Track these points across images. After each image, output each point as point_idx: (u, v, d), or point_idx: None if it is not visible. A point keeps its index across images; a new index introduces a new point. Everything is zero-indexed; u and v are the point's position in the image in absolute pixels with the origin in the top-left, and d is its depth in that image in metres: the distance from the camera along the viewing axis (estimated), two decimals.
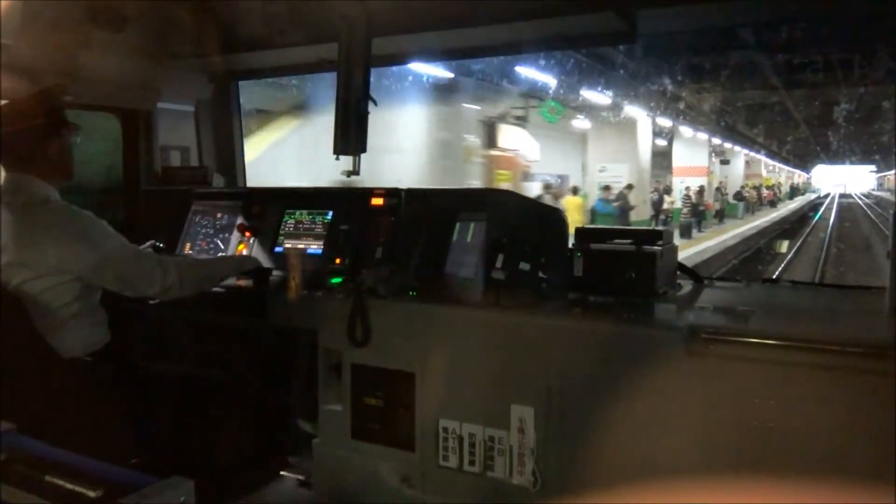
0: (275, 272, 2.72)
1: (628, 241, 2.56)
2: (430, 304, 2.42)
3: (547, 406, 2.16)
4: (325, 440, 2.57)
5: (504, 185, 15.10)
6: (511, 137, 17.39)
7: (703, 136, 28.40)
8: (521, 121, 18.29)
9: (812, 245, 22.71)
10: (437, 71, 13.13)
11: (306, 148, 11.52)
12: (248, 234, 2.99)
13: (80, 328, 2.28)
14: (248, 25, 3.06)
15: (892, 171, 53.32)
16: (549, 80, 15.93)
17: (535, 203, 2.90)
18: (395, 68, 9.49)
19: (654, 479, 1.92)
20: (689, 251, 15.41)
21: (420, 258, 2.59)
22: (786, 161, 52.25)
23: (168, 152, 3.61)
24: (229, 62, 3.42)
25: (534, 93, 17.46)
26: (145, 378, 2.51)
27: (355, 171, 2.62)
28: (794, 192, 59.19)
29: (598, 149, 22.26)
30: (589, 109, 20.04)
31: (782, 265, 16.95)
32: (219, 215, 3.16)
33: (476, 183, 14.86)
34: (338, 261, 2.75)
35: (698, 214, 23.19)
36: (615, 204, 17.23)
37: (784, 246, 20.50)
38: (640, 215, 19.48)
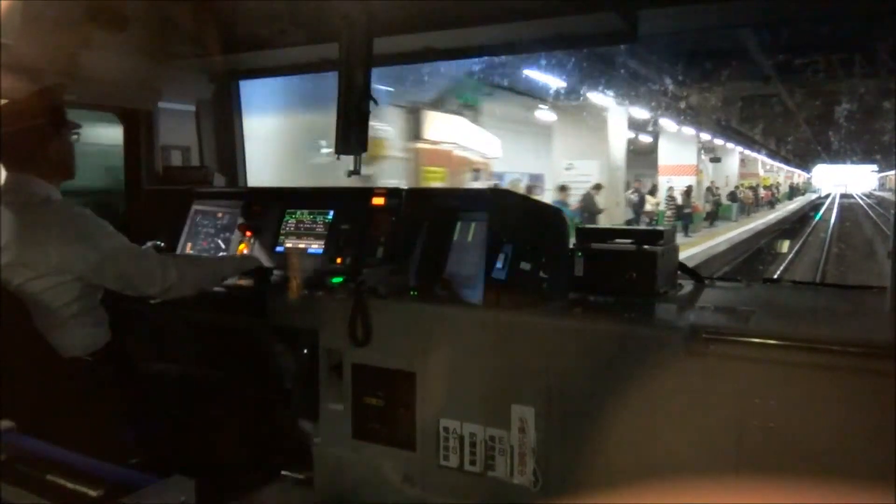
0: (276, 272, 2.72)
1: (629, 240, 2.56)
2: (431, 304, 2.42)
3: (548, 406, 2.16)
4: (326, 440, 2.58)
5: (436, 185, 12.62)
6: (446, 128, 14.13)
7: (692, 132, 26.01)
8: (469, 109, 15.34)
9: (812, 245, 22.49)
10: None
11: None
12: (248, 233, 3.00)
13: (80, 328, 2.28)
14: (249, 25, 3.06)
15: (894, 171, 53.15)
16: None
17: (536, 203, 2.90)
18: None
19: (655, 478, 1.92)
20: None
21: (421, 258, 2.59)
22: (786, 161, 51.00)
23: (169, 152, 3.61)
24: (230, 62, 3.42)
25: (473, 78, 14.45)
26: (146, 378, 2.51)
27: (356, 171, 2.62)
28: (794, 192, 57.69)
29: (565, 144, 19.59)
30: (554, 98, 17.49)
31: (779, 270, 16.36)
32: (220, 215, 3.16)
33: (396, 182, 11.23)
34: (339, 260, 2.75)
35: (685, 217, 21.20)
36: (573, 207, 14.80)
37: (782, 249, 19.81)
38: (614, 219, 17.30)
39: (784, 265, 16.94)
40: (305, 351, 2.64)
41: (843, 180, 72.97)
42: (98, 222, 2.29)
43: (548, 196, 15.59)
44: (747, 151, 37.15)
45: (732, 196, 30.46)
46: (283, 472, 2.77)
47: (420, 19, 2.74)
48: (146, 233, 2.92)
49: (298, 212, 2.96)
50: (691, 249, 16.05)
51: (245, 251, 2.98)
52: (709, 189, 27.12)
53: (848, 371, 1.77)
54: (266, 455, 2.69)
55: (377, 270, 2.52)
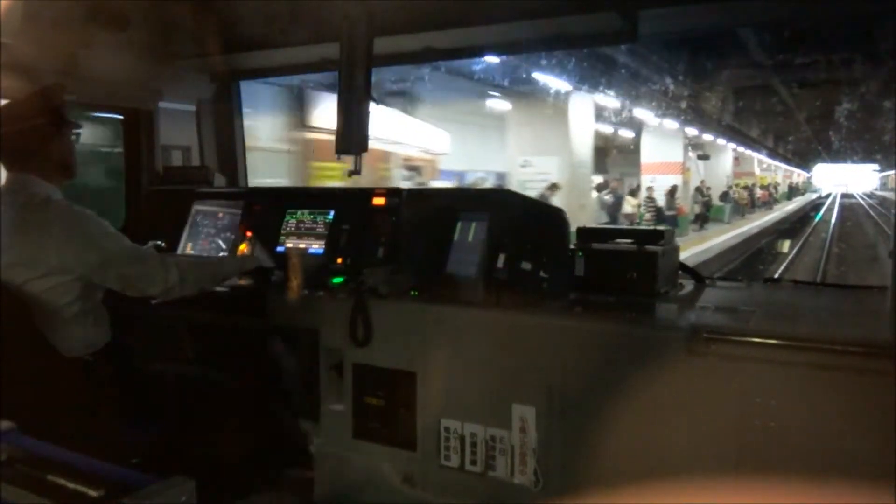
0: (276, 272, 2.72)
1: (630, 240, 2.56)
2: (432, 304, 2.42)
3: (548, 406, 2.16)
4: (327, 440, 2.58)
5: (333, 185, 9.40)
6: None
7: (679, 126, 23.46)
8: (397, 97, 13.06)
9: (813, 245, 22.24)
10: None
11: None
12: (249, 233, 3.00)
13: (81, 327, 2.28)
14: (250, 25, 3.06)
15: (894, 171, 52.95)
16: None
17: (536, 203, 2.90)
18: None
19: (656, 478, 1.92)
20: None
21: (421, 258, 2.59)
22: (787, 160, 50.32)
23: (169, 152, 3.61)
24: (231, 62, 3.42)
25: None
26: (147, 378, 2.51)
27: (356, 171, 2.62)
28: (793, 192, 56.00)
29: (521, 137, 17.08)
30: (509, 84, 15.11)
31: (777, 272, 15.47)
32: (220, 215, 3.16)
33: (274, 181, 9.19)
34: (339, 260, 2.75)
35: (667, 220, 18.23)
36: None
37: (781, 250, 18.88)
38: (579, 222, 12.69)
39: (781, 269, 16.30)
40: (306, 351, 2.64)
41: (844, 180, 72.57)
42: (99, 222, 2.29)
43: None
44: (742, 149, 35.11)
45: (725, 196, 28.37)
46: (283, 472, 2.77)
47: (420, 19, 2.74)
48: (147, 233, 2.92)
49: (299, 212, 2.96)
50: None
51: (246, 251, 2.98)
52: (698, 189, 24.88)
53: (848, 371, 1.77)
54: (266, 455, 2.69)
55: (377, 270, 2.52)
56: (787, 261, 17.34)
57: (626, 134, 24.13)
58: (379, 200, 2.77)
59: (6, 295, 2.10)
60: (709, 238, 19.17)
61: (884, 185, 63.74)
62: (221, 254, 3.06)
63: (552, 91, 15.43)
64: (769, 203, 38.81)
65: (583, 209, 16.06)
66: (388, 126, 12.28)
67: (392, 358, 2.41)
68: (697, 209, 23.95)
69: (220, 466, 2.30)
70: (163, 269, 2.33)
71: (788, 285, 2.98)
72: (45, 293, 2.18)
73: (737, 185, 33.04)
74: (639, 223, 17.18)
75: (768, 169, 47.09)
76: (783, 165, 53.04)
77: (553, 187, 14.70)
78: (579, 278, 2.54)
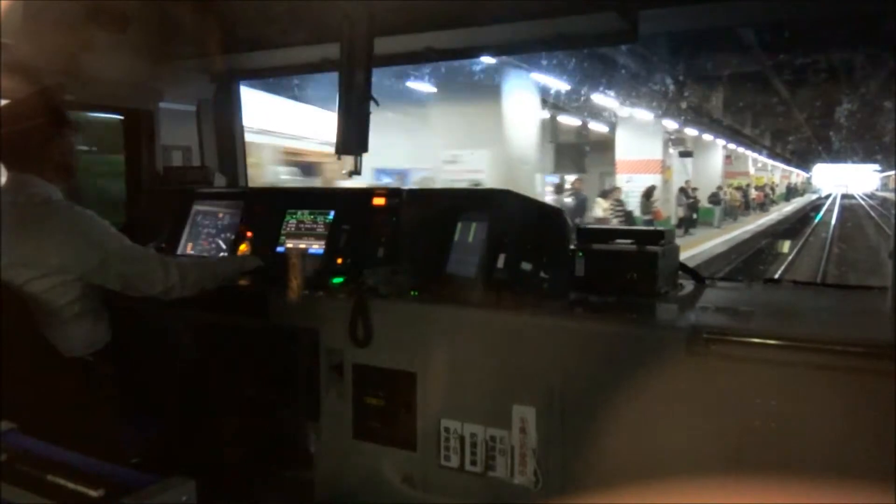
0: (276, 272, 2.72)
1: (630, 241, 2.56)
2: (432, 304, 2.42)
3: (548, 406, 2.16)
4: (327, 440, 2.58)
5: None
6: None
7: (663, 120, 20.84)
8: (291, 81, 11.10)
9: (813, 244, 22.19)
10: None
11: None
12: (249, 233, 3.00)
13: (82, 327, 2.28)
14: (250, 25, 3.07)
15: (894, 172, 52.81)
16: None
17: (536, 203, 2.90)
18: None
19: (656, 478, 1.92)
20: None
21: (422, 258, 2.59)
22: (786, 160, 49.40)
23: (170, 152, 3.61)
24: (231, 62, 3.42)
25: None
26: (147, 377, 2.51)
27: (357, 171, 2.63)
28: (792, 192, 54.00)
29: (448, 127, 14.26)
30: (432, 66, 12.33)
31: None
32: (220, 215, 3.16)
33: None
34: (339, 261, 2.75)
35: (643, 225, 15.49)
36: None
37: (773, 258, 17.63)
38: None
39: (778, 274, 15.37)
40: (306, 351, 2.64)
41: (845, 180, 72.33)
42: (99, 223, 2.29)
43: None
44: (734, 147, 32.28)
45: (714, 198, 25.75)
46: (283, 472, 2.77)
47: (421, 19, 2.74)
48: (147, 233, 2.93)
49: (299, 212, 2.96)
50: None
51: (246, 251, 2.98)
52: (682, 190, 22.21)
53: (848, 371, 1.77)
54: (266, 455, 2.69)
55: (378, 270, 2.52)
56: (781, 269, 16.30)
57: (599, 128, 21.89)
58: (379, 201, 2.77)
59: (6, 295, 2.10)
60: (694, 245, 17.13)
61: (884, 186, 63.52)
62: (221, 254, 3.06)
63: (480, 68, 12.47)
64: (764, 205, 36.76)
65: None
66: (254, 113, 9.95)
67: (392, 358, 2.41)
68: (682, 212, 21.38)
69: (220, 466, 2.30)
70: (163, 269, 2.33)
71: (788, 286, 2.99)
72: (46, 293, 2.18)
73: (729, 186, 30.87)
74: None
75: (764, 168, 44.98)
76: (781, 165, 51.68)
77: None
78: (579, 279, 2.54)
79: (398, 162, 13.68)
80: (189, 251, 3.13)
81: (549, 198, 13.93)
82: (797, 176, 62.35)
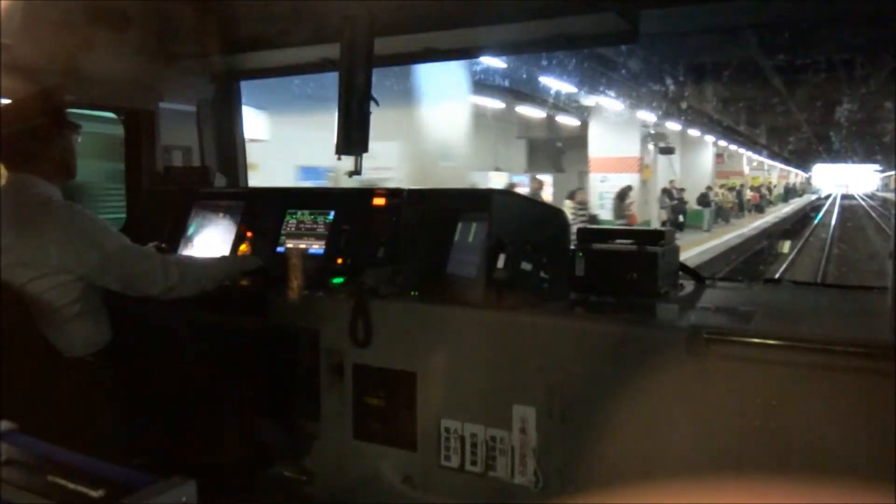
0: (276, 272, 2.72)
1: (630, 241, 2.56)
2: (432, 305, 2.42)
3: (548, 406, 2.16)
4: (327, 440, 2.58)
5: None
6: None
7: (641, 113, 18.38)
8: None
9: (813, 245, 21.99)
10: None
11: None
12: (249, 233, 3.00)
13: (82, 327, 2.28)
14: (251, 25, 3.07)
15: (894, 172, 52.68)
16: None
17: (537, 203, 2.90)
18: None
19: (656, 479, 1.92)
20: None
21: (422, 258, 2.59)
22: (786, 160, 48.35)
23: (170, 152, 3.61)
24: (231, 62, 3.42)
25: None
26: (147, 378, 2.51)
27: (357, 171, 2.63)
28: (790, 193, 52.02)
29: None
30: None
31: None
32: (221, 215, 3.16)
33: None
34: (339, 261, 2.75)
35: None
36: None
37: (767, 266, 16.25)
38: None
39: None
40: (306, 351, 2.64)
41: (845, 180, 72.15)
42: (99, 223, 2.29)
43: None
44: (727, 145, 30.21)
45: (704, 199, 23.47)
46: (284, 473, 2.77)
47: (421, 19, 2.74)
48: (147, 233, 2.93)
49: (299, 212, 2.96)
50: None
51: (246, 251, 2.98)
52: (666, 191, 20.48)
53: (848, 371, 1.77)
54: (266, 455, 2.69)
55: (378, 271, 2.52)
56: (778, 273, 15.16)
57: (567, 122, 19.66)
58: (379, 201, 2.77)
59: (6, 295, 2.10)
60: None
61: (885, 186, 63.29)
62: (222, 254, 3.06)
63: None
64: (760, 206, 34.82)
65: None
66: None
67: (392, 358, 2.41)
68: (665, 215, 19.56)
69: (220, 466, 2.30)
70: (163, 269, 2.33)
71: (789, 286, 2.99)
72: (46, 293, 2.18)
73: (722, 187, 29.02)
74: None
75: (760, 168, 42.95)
76: (779, 164, 50.09)
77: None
78: (579, 279, 2.54)
79: (322, 160, 11.79)
80: (189, 251, 3.13)
81: None
82: (796, 176, 61.43)
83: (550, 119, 20.93)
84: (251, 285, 2.70)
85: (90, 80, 2.93)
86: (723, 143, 29.40)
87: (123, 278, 2.29)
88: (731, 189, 30.03)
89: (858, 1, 3.13)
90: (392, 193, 2.77)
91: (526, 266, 2.35)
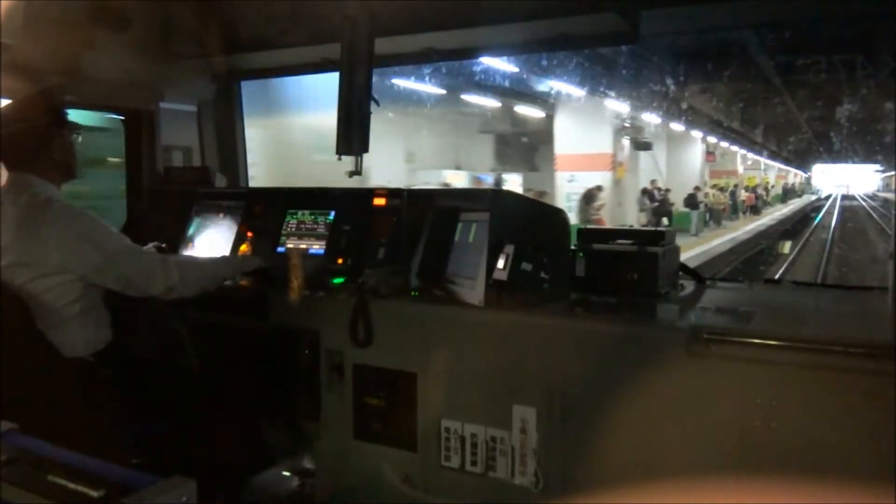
0: (277, 272, 2.72)
1: (630, 241, 2.56)
2: (433, 305, 2.42)
3: (549, 406, 2.16)
4: (327, 440, 2.58)
5: None
6: None
7: (615, 104, 16.33)
8: None
9: (813, 245, 21.91)
10: None
11: None
12: (250, 233, 3.00)
13: (82, 327, 2.28)
14: (251, 26, 3.07)
15: (895, 172, 52.52)
16: None
17: (537, 203, 2.90)
18: None
19: (656, 479, 1.92)
20: None
21: (422, 258, 2.59)
22: (785, 160, 47.54)
23: (171, 152, 3.61)
24: (232, 62, 3.42)
25: None
26: (147, 378, 2.51)
27: (357, 171, 2.63)
28: (789, 193, 50.33)
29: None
30: None
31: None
32: (221, 215, 3.16)
33: None
34: (340, 261, 2.75)
35: None
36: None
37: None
38: None
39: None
40: (306, 351, 2.64)
41: (845, 180, 71.86)
42: (100, 223, 2.29)
43: None
44: (717, 141, 27.75)
45: (691, 200, 21.54)
46: (284, 473, 2.77)
47: (421, 20, 2.74)
48: (147, 233, 2.93)
49: (300, 212, 2.96)
50: None
51: (246, 251, 2.98)
52: (646, 191, 18.64)
53: (849, 371, 1.77)
54: (268, 455, 2.69)
55: (378, 271, 2.52)
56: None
57: (534, 114, 17.31)
58: (380, 201, 2.77)
59: (6, 295, 2.10)
60: None
61: (886, 186, 63.09)
62: (222, 254, 3.06)
63: None
64: (756, 207, 32.92)
65: None
66: None
67: (392, 358, 2.41)
68: (644, 218, 17.90)
69: (220, 466, 2.30)
70: (163, 269, 2.33)
71: (789, 286, 2.99)
72: (46, 293, 2.18)
73: (713, 187, 27.36)
74: None
75: (755, 167, 40.14)
76: (777, 164, 48.30)
77: None
78: (580, 279, 2.54)
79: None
80: (189, 251, 3.13)
81: None
82: (795, 176, 60.69)
83: (508, 110, 18.70)
84: (251, 285, 2.70)
85: (90, 80, 2.93)
86: (712, 139, 26.76)
87: (124, 278, 2.29)
88: (722, 189, 28.43)
89: (858, 1, 3.13)
90: (392, 193, 2.77)
91: (526, 266, 2.35)
